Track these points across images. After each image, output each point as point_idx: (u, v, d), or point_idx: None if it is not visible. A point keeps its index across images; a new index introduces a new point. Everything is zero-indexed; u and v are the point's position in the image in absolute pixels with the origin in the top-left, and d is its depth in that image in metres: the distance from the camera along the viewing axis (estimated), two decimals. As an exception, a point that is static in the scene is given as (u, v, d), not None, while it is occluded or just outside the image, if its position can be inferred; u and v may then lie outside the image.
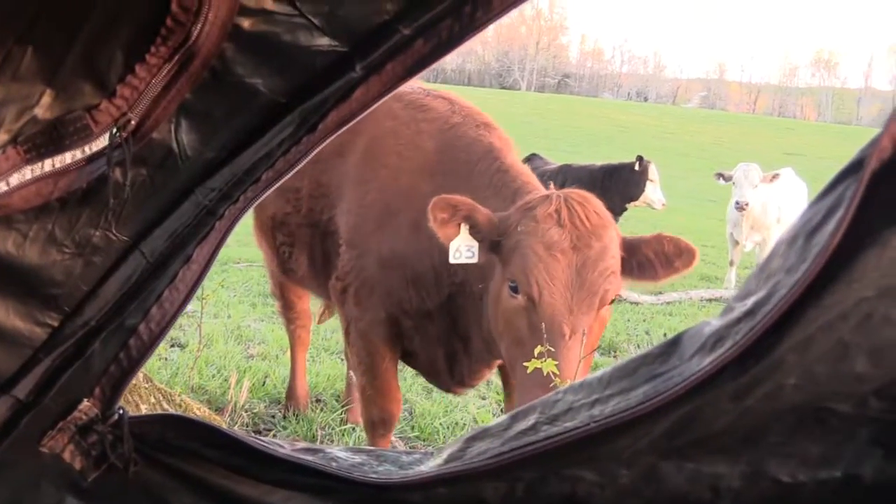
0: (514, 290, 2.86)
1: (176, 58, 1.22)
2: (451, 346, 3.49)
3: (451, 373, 3.57)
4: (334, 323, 6.64)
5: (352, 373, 5.14)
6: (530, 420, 1.27)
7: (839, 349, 1.10)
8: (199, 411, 4.05)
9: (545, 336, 2.73)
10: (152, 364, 5.27)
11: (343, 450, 1.42)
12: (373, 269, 3.48)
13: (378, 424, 3.80)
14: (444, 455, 1.33)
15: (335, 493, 1.35)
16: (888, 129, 0.97)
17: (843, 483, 1.25)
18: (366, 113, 1.35)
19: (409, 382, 5.45)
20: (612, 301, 2.90)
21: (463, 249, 2.97)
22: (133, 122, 1.26)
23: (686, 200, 22.85)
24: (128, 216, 1.34)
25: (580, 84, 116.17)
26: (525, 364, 3.04)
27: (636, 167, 10.40)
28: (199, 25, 1.19)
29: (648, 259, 2.96)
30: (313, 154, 1.36)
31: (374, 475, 1.33)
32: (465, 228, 2.96)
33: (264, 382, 5.48)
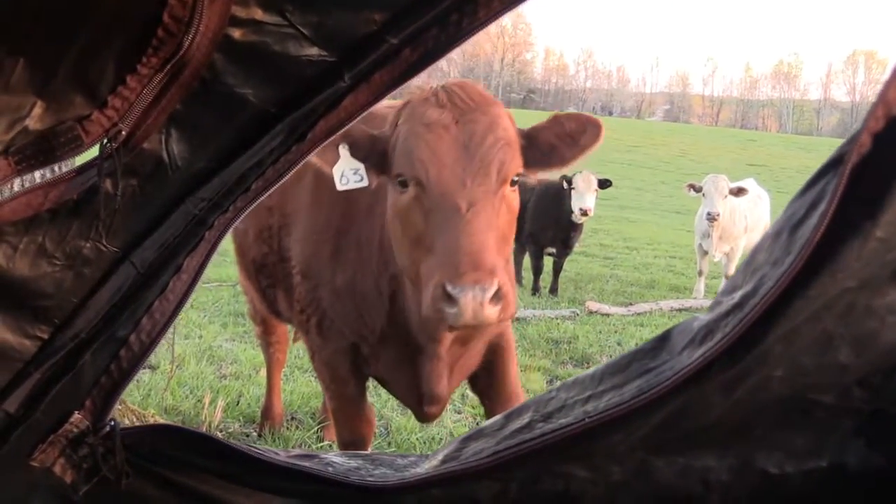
0: (403, 183, 2.58)
1: (167, 68, 1.23)
2: (414, 359, 3.21)
3: (420, 387, 3.28)
4: (308, 341, 6.61)
5: (327, 391, 5.13)
6: (525, 418, 1.28)
7: (823, 340, 1.13)
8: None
9: (438, 216, 2.45)
10: (125, 385, 5.20)
11: (338, 455, 1.42)
12: (329, 300, 3.28)
13: (350, 446, 3.73)
14: (440, 456, 1.34)
15: (332, 499, 1.35)
16: (867, 125, 1.01)
17: (828, 473, 1.28)
18: (354, 122, 1.37)
19: (384, 399, 5.44)
20: (515, 183, 2.62)
21: (349, 174, 2.67)
22: (124, 133, 1.26)
23: (653, 212, 23.10)
24: (118, 227, 1.34)
25: (545, 99, 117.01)
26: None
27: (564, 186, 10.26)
28: (190, 36, 1.21)
29: (551, 144, 2.73)
30: (302, 163, 1.37)
31: (370, 478, 1.34)
32: (344, 150, 2.67)
33: (238, 402, 5.44)
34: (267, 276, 3.80)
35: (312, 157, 2.59)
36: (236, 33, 1.25)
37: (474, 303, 2.25)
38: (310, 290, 3.34)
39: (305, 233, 3.36)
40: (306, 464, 1.36)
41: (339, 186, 2.67)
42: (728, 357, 1.12)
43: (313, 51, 1.29)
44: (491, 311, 2.28)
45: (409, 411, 5.31)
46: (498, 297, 2.28)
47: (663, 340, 1.22)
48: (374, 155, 2.71)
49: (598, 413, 1.20)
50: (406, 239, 2.62)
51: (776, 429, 1.25)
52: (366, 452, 1.60)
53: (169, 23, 1.19)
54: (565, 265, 11.19)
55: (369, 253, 3.09)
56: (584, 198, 10.18)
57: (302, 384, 5.92)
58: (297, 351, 6.47)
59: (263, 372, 5.44)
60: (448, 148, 2.53)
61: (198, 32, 1.21)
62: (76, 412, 1.39)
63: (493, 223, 2.48)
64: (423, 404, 3.32)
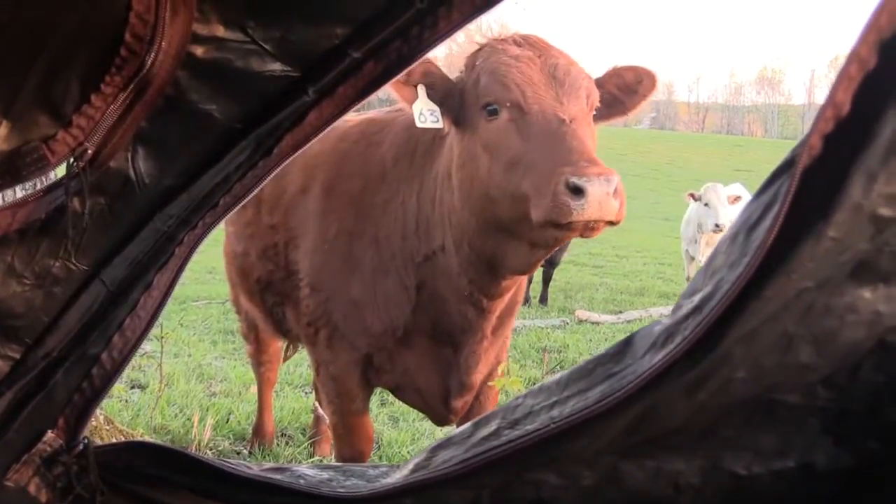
0: (493, 111, 2.63)
1: (131, 86, 1.24)
2: (441, 351, 3.18)
3: (448, 379, 3.22)
4: (297, 357, 6.61)
5: (317, 404, 5.12)
6: (492, 426, 1.29)
7: (784, 340, 1.15)
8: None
9: (541, 130, 2.51)
10: (113, 406, 5.20)
11: (310, 467, 1.43)
12: (344, 311, 3.26)
13: (349, 461, 3.70)
14: (411, 466, 1.35)
15: (304, 510, 1.36)
16: (817, 127, 1.03)
17: (797, 472, 1.29)
18: (320, 136, 1.38)
19: (374, 412, 5.44)
20: (595, 117, 2.73)
21: (426, 113, 2.73)
22: (90, 152, 1.27)
23: (642, 220, 23.17)
24: (87, 245, 1.34)
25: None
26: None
27: None
28: (152, 54, 1.22)
29: (613, 95, 2.87)
30: (269, 178, 1.38)
31: (341, 490, 1.34)
32: (422, 91, 2.74)
33: (228, 419, 5.42)
34: (274, 293, 3.75)
35: (394, 92, 2.71)
36: (199, 50, 1.26)
37: (601, 192, 2.27)
38: (320, 302, 3.32)
39: (315, 243, 3.35)
40: (278, 476, 1.37)
41: (419, 123, 2.75)
42: (689, 360, 1.13)
43: (276, 66, 1.30)
44: (615, 204, 2.30)
45: (400, 426, 5.34)
46: (618, 192, 2.31)
47: (627, 345, 1.23)
48: (450, 98, 2.79)
49: (564, 418, 1.21)
50: (499, 167, 2.62)
51: (742, 430, 1.26)
52: (337, 464, 1.60)
53: (131, 41, 1.20)
54: (555, 274, 11.23)
55: (389, 250, 3.10)
56: None
57: (292, 400, 5.91)
58: (286, 367, 6.47)
59: (253, 389, 5.43)
60: (539, 74, 2.63)
61: (160, 50, 1.22)
62: (49, 431, 1.40)
63: (591, 141, 2.55)
64: (449, 399, 3.27)
